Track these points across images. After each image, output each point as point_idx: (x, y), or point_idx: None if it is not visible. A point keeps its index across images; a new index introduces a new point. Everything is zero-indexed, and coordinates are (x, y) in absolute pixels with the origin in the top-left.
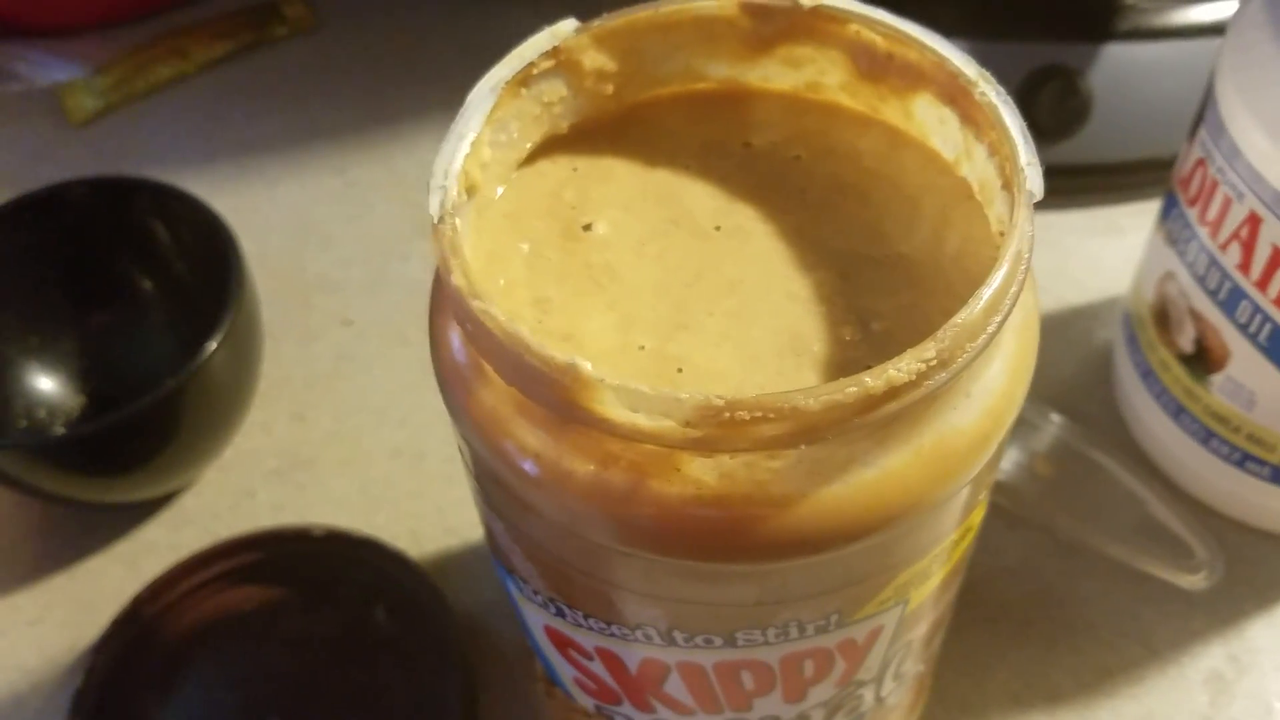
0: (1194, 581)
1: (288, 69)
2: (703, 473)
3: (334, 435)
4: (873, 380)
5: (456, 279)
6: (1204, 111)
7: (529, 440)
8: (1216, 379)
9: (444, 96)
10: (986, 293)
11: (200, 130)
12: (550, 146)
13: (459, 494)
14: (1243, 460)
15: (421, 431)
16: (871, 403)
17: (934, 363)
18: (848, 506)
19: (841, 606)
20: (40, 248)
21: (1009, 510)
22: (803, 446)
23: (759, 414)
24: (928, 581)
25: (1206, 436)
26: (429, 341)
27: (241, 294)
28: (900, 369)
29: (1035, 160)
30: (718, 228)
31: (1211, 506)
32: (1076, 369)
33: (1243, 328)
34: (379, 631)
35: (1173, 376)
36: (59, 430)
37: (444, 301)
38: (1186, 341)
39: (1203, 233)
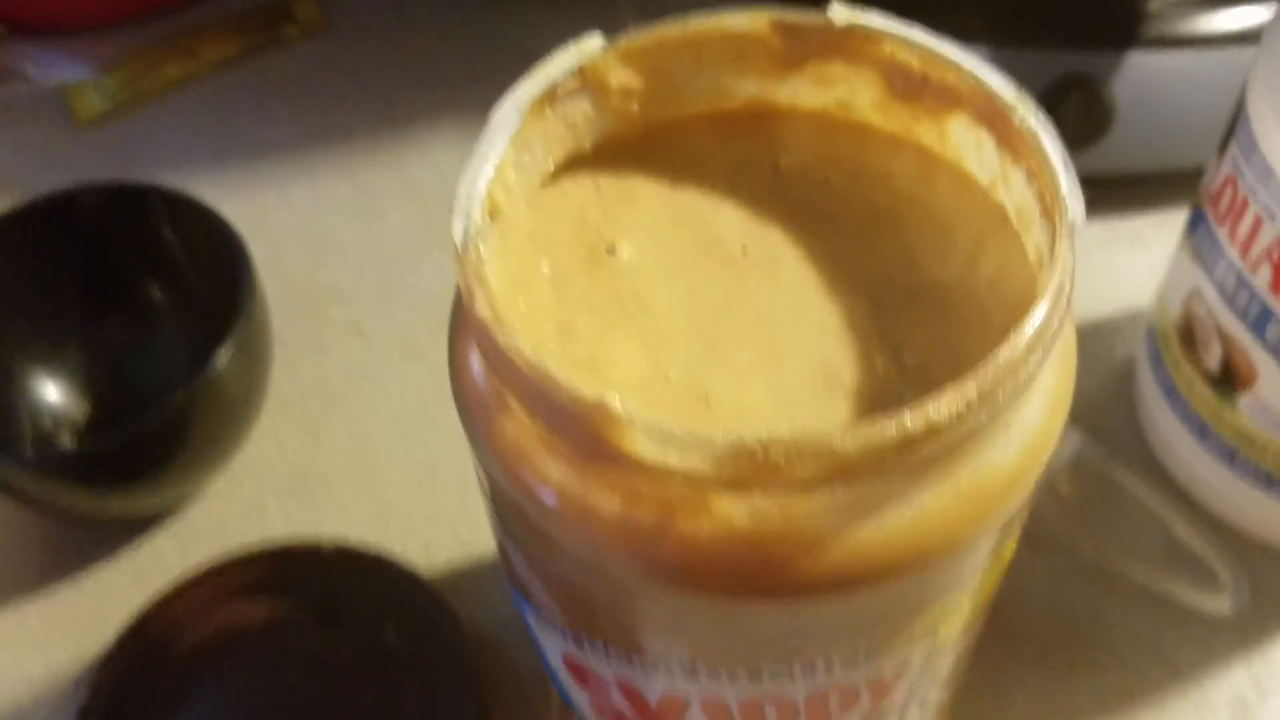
0: (1218, 604)
1: (298, 70)
2: (734, 511)
3: (345, 448)
4: (912, 420)
5: (481, 310)
6: (1235, 127)
7: (553, 473)
8: (1244, 400)
9: (456, 99)
10: (1029, 329)
11: (209, 132)
12: (573, 165)
13: (471, 509)
14: (1269, 482)
15: (434, 445)
16: (910, 443)
17: (975, 402)
18: (882, 546)
19: (871, 643)
20: (49, 254)
21: (1030, 530)
22: (838, 486)
23: (794, 454)
24: (958, 616)
25: (1232, 458)
26: (448, 367)
27: (252, 304)
28: (940, 409)
29: (1077, 189)
30: (745, 253)
31: (1236, 528)
32: (1098, 385)
33: (1272, 349)
34: (389, 649)
35: (1198, 396)
36: (65, 438)
37: (466, 328)
38: (1213, 361)
39: (1232, 252)
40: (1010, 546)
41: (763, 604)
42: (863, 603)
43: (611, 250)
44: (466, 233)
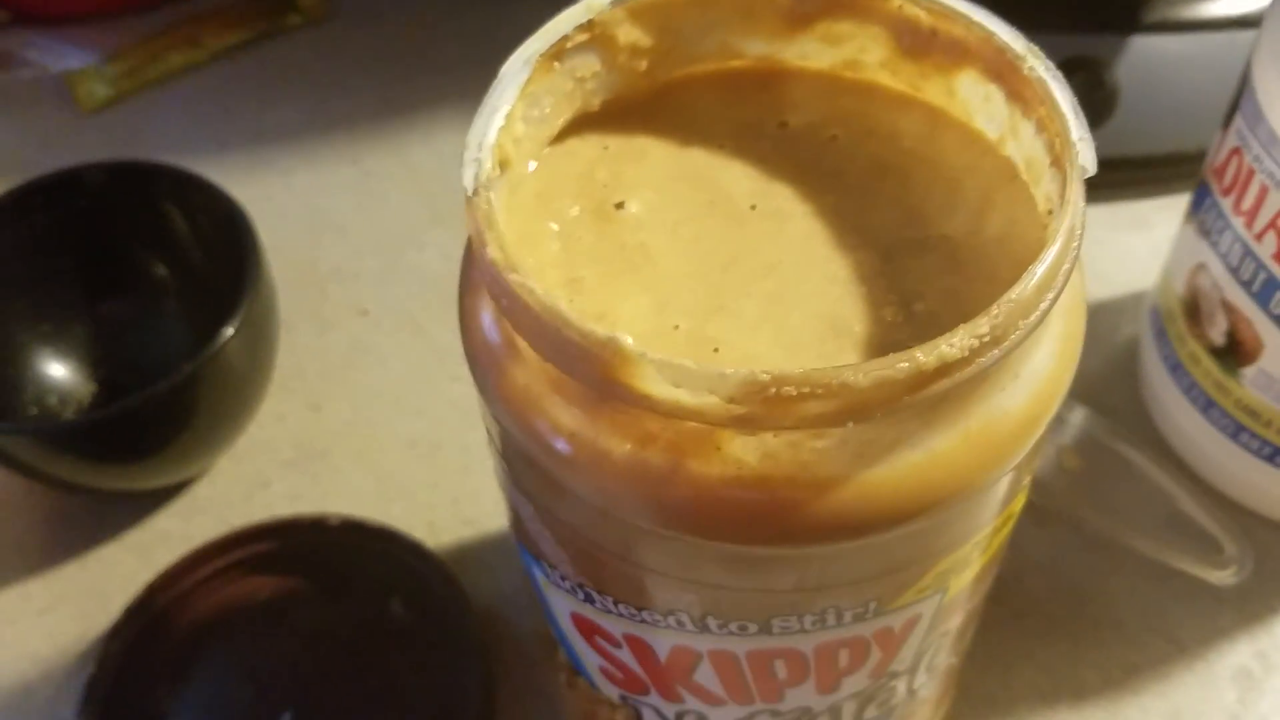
0: (1222, 577)
1: (301, 58)
2: (744, 452)
3: (350, 425)
4: (924, 356)
5: (492, 252)
6: (1240, 99)
7: (564, 419)
8: (1248, 372)
9: (458, 86)
10: (1040, 268)
11: (213, 119)
12: (581, 124)
13: (476, 484)
14: (1273, 455)
15: (438, 421)
16: (922, 380)
17: (987, 339)
18: (893, 489)
19: (881, 594)
20: (54, 233)
21: (1036, 504)
22: (849, 426)
23: (806, 390)
24: (967, 569)
25: (1236, 431)
26: (458, 321)
27: (258, 281)
28: (953, 345)
29: (1087, 135)
30: (754, 208)
31: (1240, 502)
32: (1103, 364)
33: (1278, 319)
34: (395, 623)
35: (1203, 370)
36: (70, 417)
37: (474, 280)
38: (1218, 334)
39: (1237, 223)
40: (1019, 500)
41: (773, 549)
42: (872, 549)
43: (619, 206)
44: (477, 179)
